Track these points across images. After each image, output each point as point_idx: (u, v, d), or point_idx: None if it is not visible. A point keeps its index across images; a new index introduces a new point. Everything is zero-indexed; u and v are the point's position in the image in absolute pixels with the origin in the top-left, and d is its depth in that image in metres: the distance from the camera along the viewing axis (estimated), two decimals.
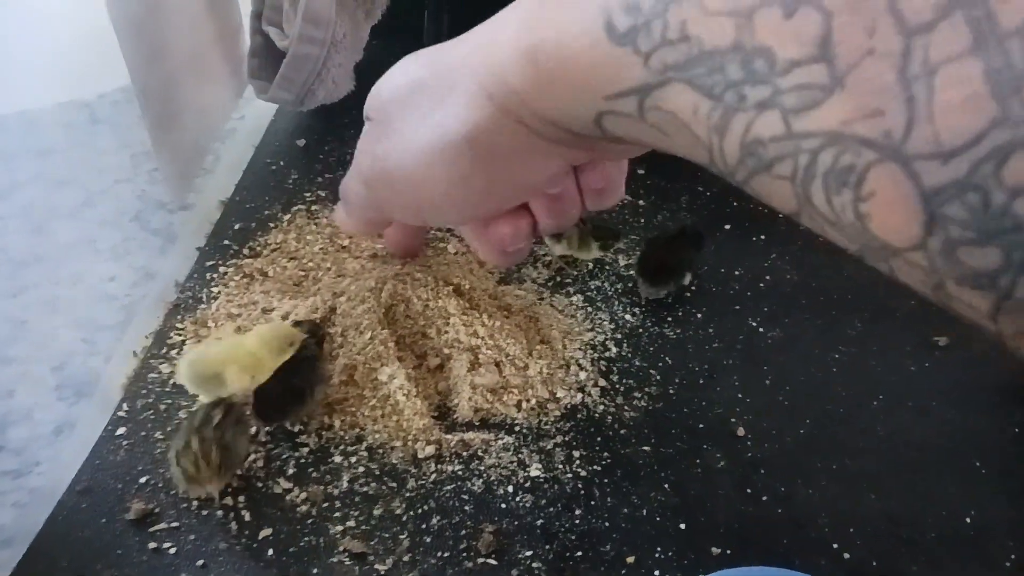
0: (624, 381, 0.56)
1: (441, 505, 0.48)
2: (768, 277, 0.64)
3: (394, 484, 0.48)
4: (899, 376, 0.57)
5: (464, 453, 0.50)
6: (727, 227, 0.68)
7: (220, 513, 0.46)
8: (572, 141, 0.35)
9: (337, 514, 0.47)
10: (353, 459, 0.50)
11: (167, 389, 0.53)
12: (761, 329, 0.59)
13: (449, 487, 0.48)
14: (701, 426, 0.53)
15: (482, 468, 0.50)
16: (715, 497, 0.49)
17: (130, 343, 0.57)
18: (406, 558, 0.45)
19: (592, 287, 0.63)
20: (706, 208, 0.70)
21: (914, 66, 0.21)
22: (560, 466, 0.50)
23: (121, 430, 0.51)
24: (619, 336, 0.59)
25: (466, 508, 0.47)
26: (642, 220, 0.69)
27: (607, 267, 0.64)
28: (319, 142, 0.75)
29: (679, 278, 0.61)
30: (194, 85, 0.68)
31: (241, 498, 0.47)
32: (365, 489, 0.48)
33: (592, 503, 0.48)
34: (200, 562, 0.44)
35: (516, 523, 0.47)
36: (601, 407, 0.54)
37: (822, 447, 0.52)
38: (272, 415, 0.50)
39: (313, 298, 0.56)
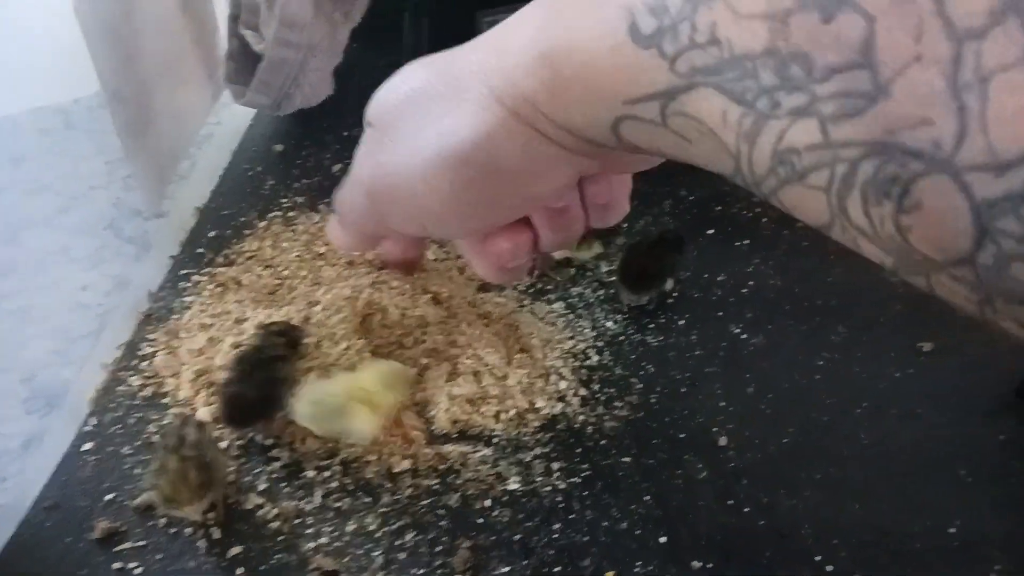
0: (605, 390, 0.55)
1: (416, 520, 0.46)
2: (751, 283, 0.63)
3: (368, 499, 0.47)
4: (884, 383, 0.56)
5: (441, 467, 0.49)
6: (710, 232, 0.67)
7: (189, 531, 0.45)
8: (585, 149, 0.34)
9: (310, 530, 0.46)
10: (327, 473, 0.49)
11: (136, 402, 0.52)
12: (744, 336, 0.59)
13: (425, 502, 0.47)
14: (683, 435, 0.52)
15: (459, 482, 0.48)
16: (696, 509, 0.48)
17: (101, 354, 0.56)
18: (380, 575, 0.44)
19: (574, 294, 0.62)
20: (689, 213, 0.69)
21: (966, 73, 0.20)
22: (539, 478, 0.49)
23: (88, 445, 0.50)
24: (600, 344, 0.58)
25: (442, 523, 0.46)
26: (624, 225, 0.68)
27: (589, 273, 0.63)
28: (297, 147, 0.74)
29: (661, 284, 0.60)
30: (168, 90, 0.67)
31: (210, 515, 0.46)
32: (338, 505, 0.47)
33: (571, 516, 0.47)
34: None
35: (493, 538, 0.46)
36: (581, 417, 0.53)
37: (806, 455, 0.51)
38: (242, 421, 0.49)
39: (287, 307, 0.55)
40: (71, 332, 0.59)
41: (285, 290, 0.59)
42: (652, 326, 0.59)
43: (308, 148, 0.74)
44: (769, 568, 0.45)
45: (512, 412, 0.52)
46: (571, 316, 0.60)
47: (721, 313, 0.60)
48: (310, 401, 0.48)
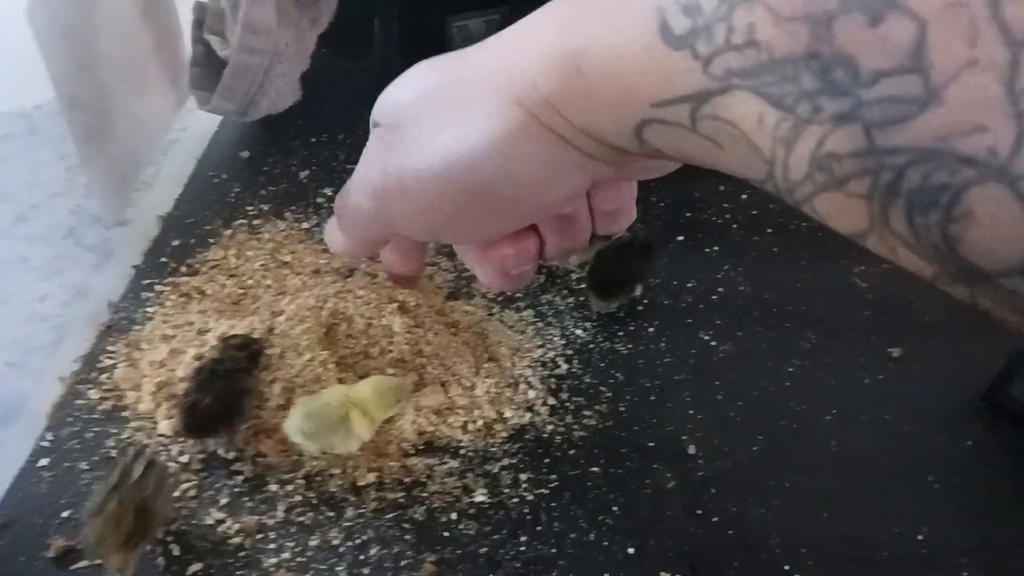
0: (574, 399, 0.54)
1: (381, 535, 0.46)
2: (721, 289, 0.62)
3: (332, 513, 0.47)
4: (853, 389, 0.56)
5: (406, 479, 0.48)
6: (680, 238, 0.67)
7: (147, 548, 0.44)
8: (603, 155, 0.33)
9: (272, 546, 0.45)
10: (290, 487, 0.48)
11: (95, 416, 0.51)
12: (713, 343, 0.58)
13: (390, 516, 0.47)
14: (651, 444, 0.52)
15: (425, 495, 0.48)
16: (665, 519, 0.48)
17: (59, 366, 0.54)
18: None
19: (543, 301, 0.61)
20: (659, 219, 0.69)
21: (1023, 79, 0.20)
22: (506, 490, 0.48)
23: (45, 460, 0.48)
24: (570, 352, 0.57)
25: (407, 537, 0.46)
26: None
27: (559, 280, 0.63)
28: (264, 154, 0.73)
29: (629, 291, 0.59)
30: (129, 95, 0.66)
31: (170, 530, 0.45)
32: (302, 519, 0.46)
33: (538, 528, 0.47)
34: None
35: (459, 552, 0.45)
36: (550, 427, 0.52)
37: (774, 464, 0.51)
38: (200, 430, 0.48)
39: (251, 318, 0.54)
40: (28, 344, 0.58)
41: (249, 300, 0.58)
42: (622, 333, 0.59)
43: (275, 155, 0.73)
44: None
45: (480, 423, 0.52)
46: (540, 324, 0.59)
47: (691, 320, 0.60)
48: (305, 415, 0.46)
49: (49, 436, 0.50)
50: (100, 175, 0.62)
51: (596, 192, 0.39)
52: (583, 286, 0.61)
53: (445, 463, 0.49)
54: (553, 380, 0.55)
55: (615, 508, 0.48)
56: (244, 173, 0.71)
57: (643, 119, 0.29)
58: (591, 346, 0.58)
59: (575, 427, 0.52)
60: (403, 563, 0.44)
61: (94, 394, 0.52)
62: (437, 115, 0.35)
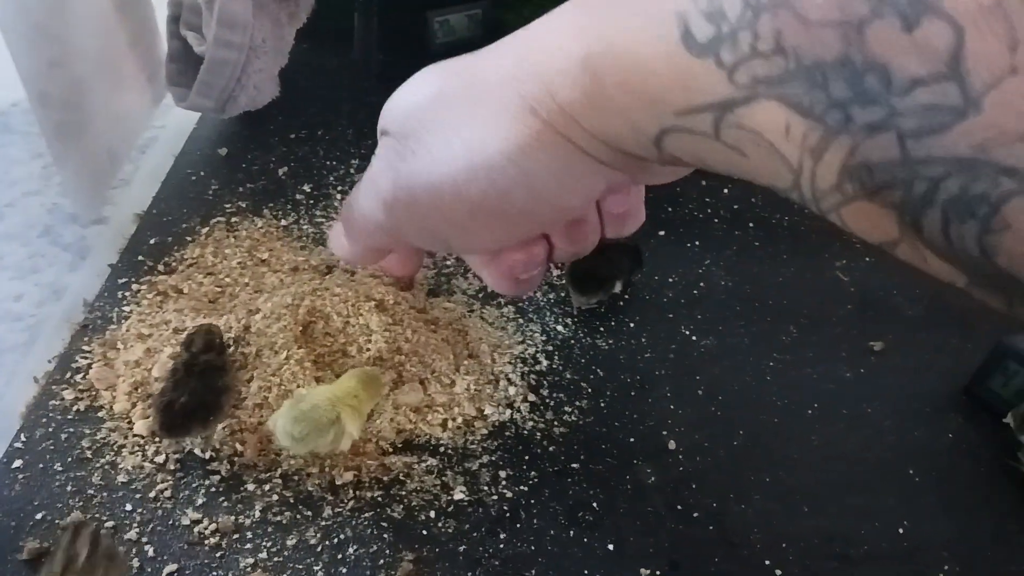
0: (554, 395, 0.54)
1: (358, 534, 0.45)
2: (702, 284, 0.62)
3: (309, 513, 0.46)
4: (834, 383, 0.56)
5: (385, 478, 0.48)
6: (661, 233, 0.66)
7: (122, 549, 0.44)
8: (619, 162, 0.32)
9: (248, 546, 0.44)
10: (267, 487, 0.47)
11: (69, 417, 0.50)
12: (694, 338, 0.58)
13: (368, 514, 0.46)
14: (632, 440, 0.51)
15: (403, 493, 0.47)
16: (645, 515, 0.47)
17: (33, 366, 0.54)
18: None
19: (524, 297, 0.61)
20: None
21: None
22: (485, 488, 0.48)
23: (18, 462, 0.48)
24: (550, 348, 0.57)
25: (385, 536, 0.45)
26: None
27: None
28: (242, 150, 0.72)
29: (609, 286, 0.59)
30: (105, 92, 0.65)
31: (145, 531, 0.45)
32: (279, 518, 0.46)
33: (518, 526, 0.46)
34: None
35: (437, 550, 0.45)
36: (530, 423, 0.52)
37: (755, 460, 0.51)
38: (174, 429, 0.47)
39: (227, 316, 0.54)
40: (1, 343, 0.57)
41: (226, 298, 0.57)
42: (602, 329, 0.58)
43: (254, 151, 0.72)
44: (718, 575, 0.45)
45: (459, 420, 0.51)
46: (521, 320, 0.59)
47: (672, 315, 0.60)
48: (294, 419, 0.45)
49: (23, 437, 0.49)
50: (74, 173, 0.61)
51: (605, 196, 0.38)
52: (564, 282, 0.61)
53: (424, 461, 0.49)
54: (534, 376, 0.55)
55: (595, 504, 0.48)
56: (222, 170, 0.70)
57: (664, 128, 0.28)
58: (572, 342, 0.58)
59: (555, 423, 0.52)
60: (381, 562, 0.44)
61: (69, 394, 0.51)
62: (447, 122, 0.34)
